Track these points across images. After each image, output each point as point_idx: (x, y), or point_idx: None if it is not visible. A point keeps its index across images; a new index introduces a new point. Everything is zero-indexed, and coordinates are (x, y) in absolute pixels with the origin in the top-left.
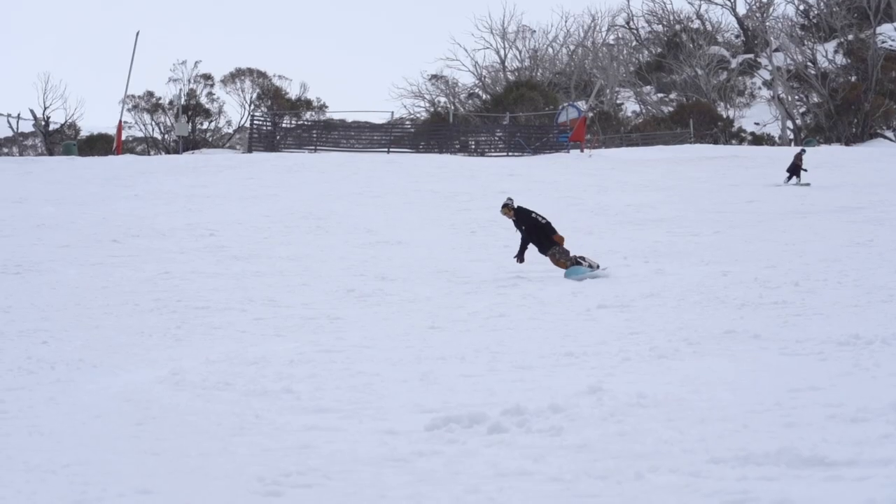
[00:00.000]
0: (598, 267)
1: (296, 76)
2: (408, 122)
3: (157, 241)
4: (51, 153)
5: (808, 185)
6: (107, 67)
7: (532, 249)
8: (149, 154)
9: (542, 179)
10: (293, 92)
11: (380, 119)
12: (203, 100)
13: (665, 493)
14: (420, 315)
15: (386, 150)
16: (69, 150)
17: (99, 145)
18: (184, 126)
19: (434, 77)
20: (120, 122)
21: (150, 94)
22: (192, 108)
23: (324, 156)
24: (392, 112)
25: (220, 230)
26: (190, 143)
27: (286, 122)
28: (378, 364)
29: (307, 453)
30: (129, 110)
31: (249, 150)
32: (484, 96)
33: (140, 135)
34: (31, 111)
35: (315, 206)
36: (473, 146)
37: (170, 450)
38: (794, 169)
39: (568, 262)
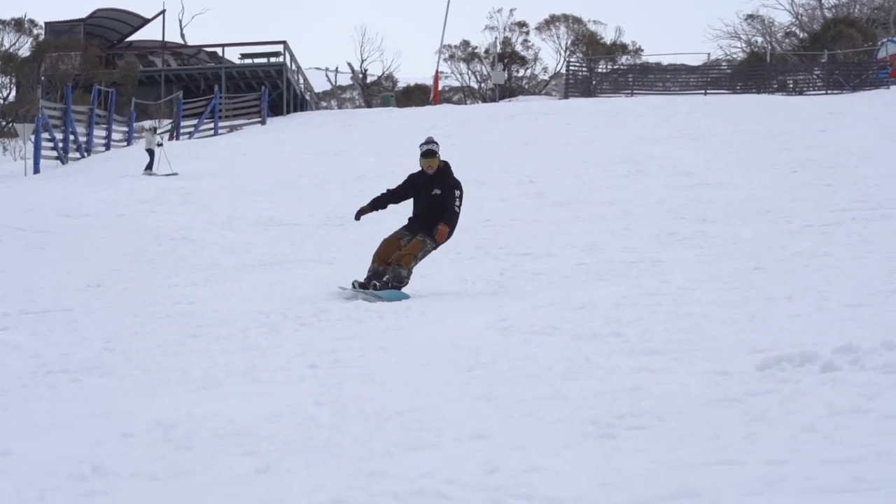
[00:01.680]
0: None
1: (610, 20)
2: (724, 64)
3: (476, 189)
4: (369, 105)
5: None
6: (422, 18)
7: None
8: (465, 103)
9: (862, 116)
10: (608, 36)
11: (696, 61)
12: (518, 47)
13: None
14: (743, 256)
15: (703, 92)
16: (387, 102)
17: (416, 96)
18: (500, 74)
19: (750, 17)
20: (437, 72)
21: (466, 42)
22: (507, 56)
23: (640, 99)
24: (708, 54)
25: (538, 177)
26: (506, 91)
27: (602, 67)
28: (705, 306)
29: (639, 395)
30: (445, 60)
31: (566, 97)
32: (801, 35)
33: (456, 84)
34: (349, 64)
35: (633, 150)
36: (791, 85)
37: (501, 395)
38: None
39: (409, 267)
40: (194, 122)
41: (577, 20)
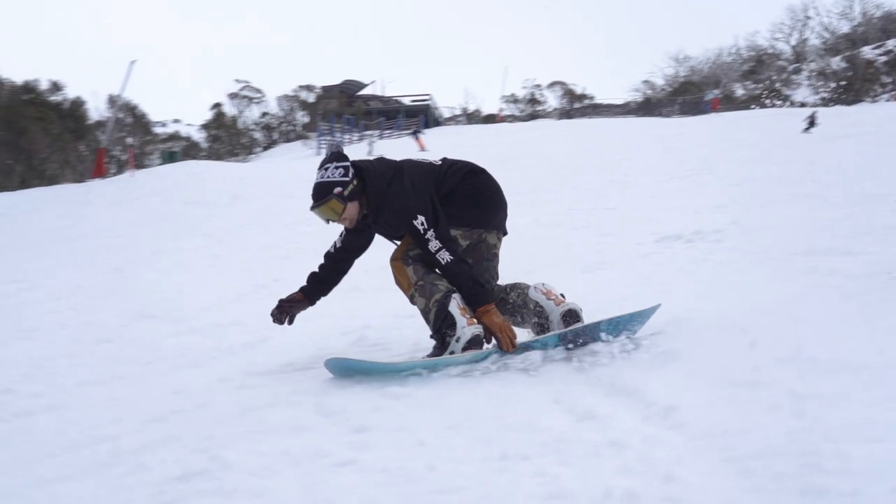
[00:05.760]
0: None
1: (580, 82)
2: (632, 103)
3: None
4: (476, 123)
5: None
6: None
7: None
8: (511, 121)
9: (700, 126)
10: (579, 90)
11: (620, 102)
12: (538, 95)
13: None
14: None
15: (623, 117)
16: (476, 121)
17: (483, 120)
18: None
19: (645, 81)
20: (500, 109)
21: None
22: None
23: (594, 119)
24: (626, 99)
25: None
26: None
27: (577, 104)
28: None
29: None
30: (505, 102)
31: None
32: (667, 89)
33: (509, 113)
34: (462, 106)
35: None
36: (665, 113)
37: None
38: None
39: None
40: (378, 132)
41: (563, 83)
